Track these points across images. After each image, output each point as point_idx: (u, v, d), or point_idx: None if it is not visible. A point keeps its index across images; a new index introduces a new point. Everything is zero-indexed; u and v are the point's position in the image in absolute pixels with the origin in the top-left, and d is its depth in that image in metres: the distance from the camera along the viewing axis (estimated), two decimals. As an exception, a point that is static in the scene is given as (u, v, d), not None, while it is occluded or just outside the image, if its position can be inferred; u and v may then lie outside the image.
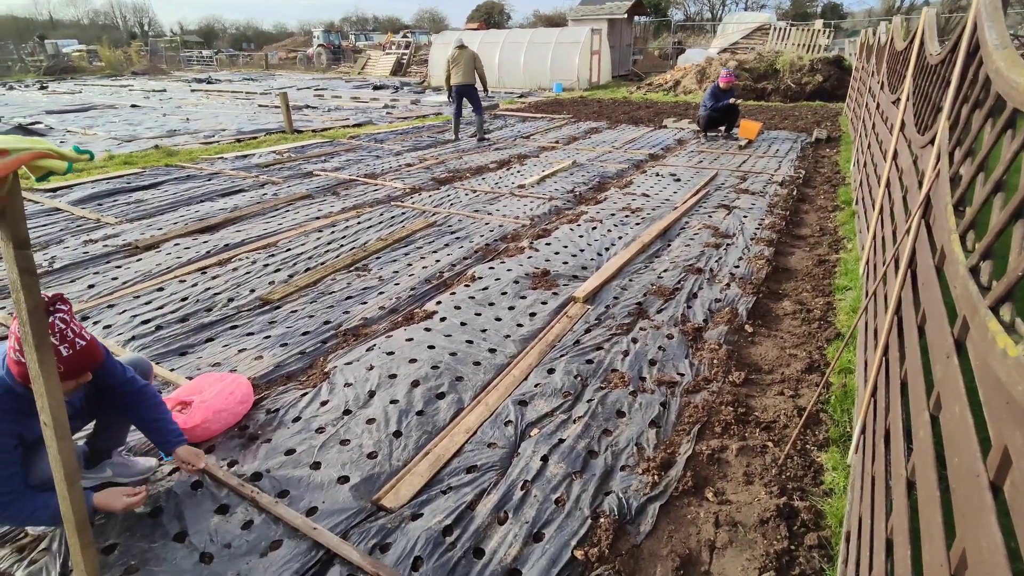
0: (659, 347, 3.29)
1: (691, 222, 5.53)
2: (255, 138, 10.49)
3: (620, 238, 5.05)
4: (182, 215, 5.85)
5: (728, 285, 4.11)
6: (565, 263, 4.49)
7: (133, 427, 2.40)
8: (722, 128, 10.05)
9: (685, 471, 2.38)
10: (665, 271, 4.36)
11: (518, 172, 7.61)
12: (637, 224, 5.43)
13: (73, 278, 4.36)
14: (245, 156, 8.69)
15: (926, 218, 2.00)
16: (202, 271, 4.45)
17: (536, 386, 2.91)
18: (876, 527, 1.54)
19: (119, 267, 4.56)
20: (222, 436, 2.57)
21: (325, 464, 2.40)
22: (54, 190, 6.77)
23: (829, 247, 5.01)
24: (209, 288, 4.12)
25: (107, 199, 6.49)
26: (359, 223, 5.49)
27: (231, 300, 3.94)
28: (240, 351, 3.30)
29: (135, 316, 3.70)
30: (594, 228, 5.30)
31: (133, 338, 3.43)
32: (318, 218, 5.69)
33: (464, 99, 9.75)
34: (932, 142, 2.28)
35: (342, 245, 4.93)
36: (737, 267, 4.44)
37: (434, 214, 5.78)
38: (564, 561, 1.94)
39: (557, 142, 9.84)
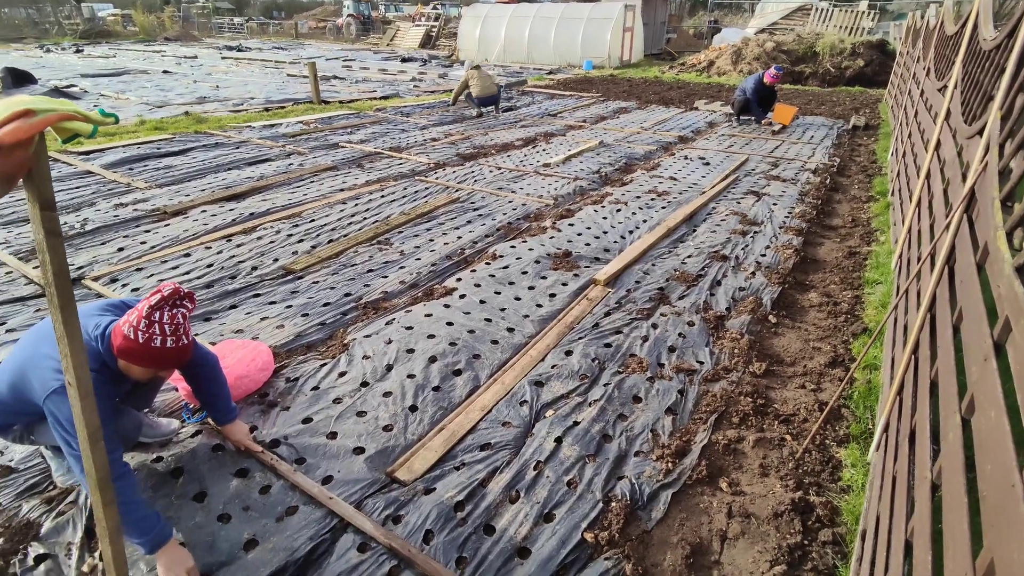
0: (679, 334, 3.25)
1: (718, 208, 5.42)
2: (283, 107, 10.52)
3: (645, 221, 4.97)
4: (209, 182, 5.91)
5: (753, 274, 4.03)
6: (587, 245, 4.44)
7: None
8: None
9: (700, 460, 2.36)
10: (689, 257, 4.28)
11: (543, 151, 7.51)
12: (663, 208, 5.34)
13: (104, 240, 4.44)
14: (273, 125, 8.72)
15: (968, 212, 1.92)
16: (227, 238, 4.50)
17: (553, 367, 2.90)
18: (895, 527, 1.51)
19: (148, 231, 4.64)
20: (242, 402, 2.62)
21: (341, 434, 2.43)
22: (87, 153, 6.88)
23: (861, 239, 4.87)
24: (234, 256, 4.17)
25: (138, 164, 6.58)
26: (383, 197, 5.49)
27: (255, 268, 3.99)
28: (262, 319, 3.34)
29: (162, 280, 3.76)
30: (618, 210, 5.22)
31: (159, 302, 3.49)
32: (342, 190, 5.71)
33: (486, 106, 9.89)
34: (980, 133, 2.18)
35: (365, 218, 4.94)
36: (764, 256, 4.34)
37: (457, 190, 5.75)
38: (574, 543, 1.95)
39: (584, 121, 9.68)
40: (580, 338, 3.17)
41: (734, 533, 2.06)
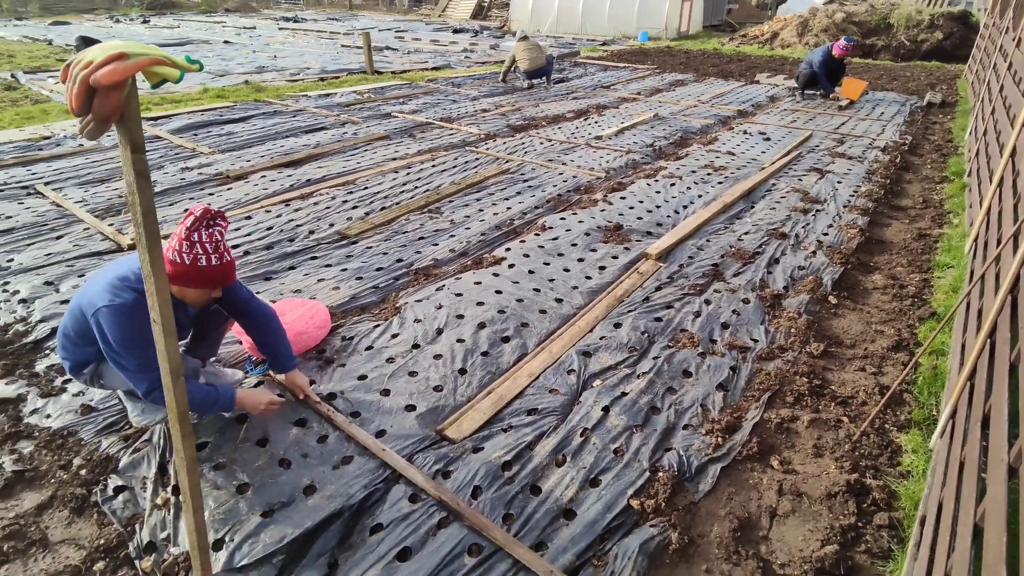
0: (733, 311, 3.17)
1: (779, 184, 5.21)
2: (337, 78, 10.65)
3: (700, 196, 4.83)
4: (268, 149, 6.08)
5: (814, 253, 3.87)
6: (639, 219, 4.36)
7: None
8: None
9: (751, 437, 2.32)
10: (746, 234, 4.15)
11: (595, 123, 7.37)
12: (719, 183, 5.17)
13: (171, 202, 4.65)
14: (328, 95, 8.86)
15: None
16: (286, 203, 4.63)
17: (601, 339, 2.89)
18: (962, 513, 1.45)
19: (211, 194, 4.83)
20: (301, 357, 2.73)
21: (394, 392, 2.50)
22: (155, 119, 7.18)
23: (932, 220, 4.60)
24: (292, 220, 4.30)
25: (201, 130, 6.82)
26: (433, 166, 5.53)
27: (311, 232, 4.11)
28: (319, 280, 3.45)
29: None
30: (672, 184, 5.09)
31: (223, 261, 3.65)
32: (395, 159, 5.77)
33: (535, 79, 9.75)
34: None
35: (416, 187, 4.99)
36: (826, 235, 4.16)
37: (507, 161, 5.73)
38: (619, 508, 1.96)
39: (639, 93, 9.42)
40: (629, 311, 3.14)
41: (784, 510, 2.02)
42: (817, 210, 4.61)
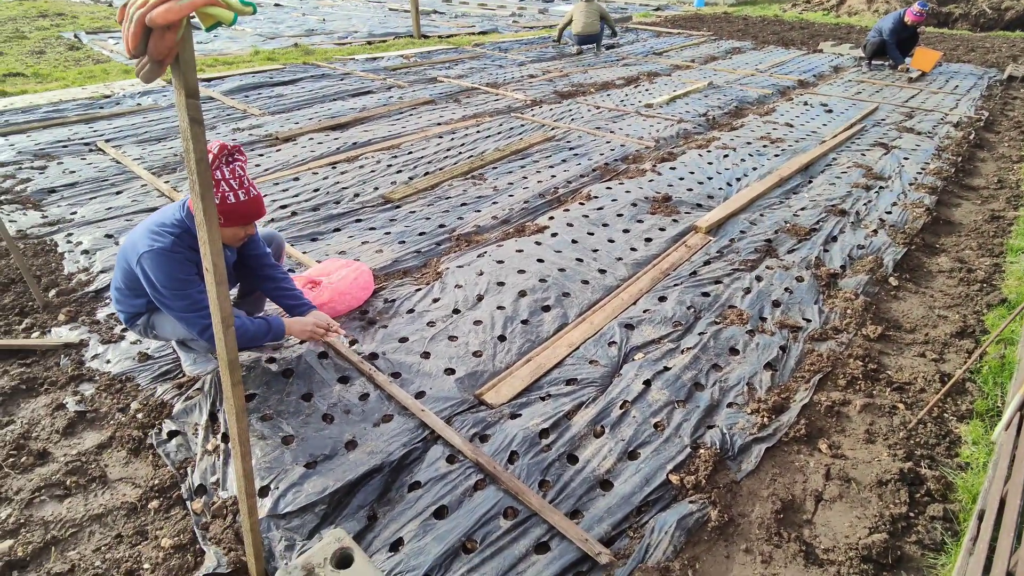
0: (786, 288, 3.04)
1: (839, 159, 4.93)
2: (384, 41, 10.59)
3: (755, 169, 4.63)
4: (316, 111, 6.12)
5: (875, 232, 3.67)
6: (689, 190, 4.21)
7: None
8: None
9: (799, 418, 2.24)
10: (802, 209, 3.96)
11: (646, 90, 7.12)
12: (776, 156, 4.93)
13: (222, 162, 4.74)
14: (374, 59, 8.83)
15: None
16: (332, 166, 4.67)
17: (645, 312, 2.83)
18: (1032, 508, 1.35)
19: (261, 155, 4.90)
20: (344, 317, 2.77)
21: (434, 355, 2.52)
22: (208, 80, 7.30)
23: (1007, 202, 4.28)
24: (338, 183, 4.33)
25: (252, 92, 6.90)
26: (478, 132, 5.46)
27: (357, 195, 4.13)
28: (363, 243, 3.48)
29: (274, 201, 3.99)
30: (726, 156, 4.89)
31: (272, 220, 3.72)
32: (439, 124, 5.72)
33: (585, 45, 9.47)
34: None
35: (460, 152, 4.94)
36: (889, 213, 3.93)
37: (553, 128, 5.60)
38: (658, 482, 1.93)
39: (693, 61, 9.03)
40: (675, 285, 3.05)
41: (831, 495, 1.95)
42: (880, 187, 4.35)
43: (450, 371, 2.43)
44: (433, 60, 8.74)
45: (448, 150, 5.00)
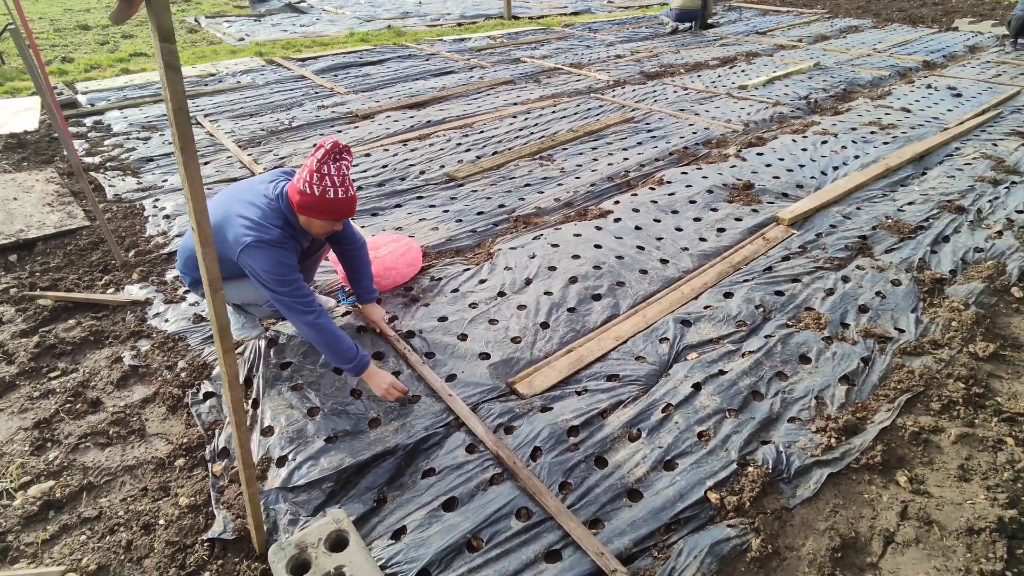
0: (877, 292, 2.65)
1: (964, 148, 4.28)
2: (475, 23, 10.58)
3: (856, 157, 4.11)
4: (397, 90, 6.18)
5: (1000, 233, 3.12)
6: (776, 178, 3.81)
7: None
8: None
9: (875, 443, 1.93)
10: (909, 204, 3.46)
11: (742, 71, 6.57)
12: (884, 143, 4.36)
13: (304, 136, 4.89)
14: (462, 40, 8.82)
15: None
16: (404, 143, 4.68)
17: (706, 308, 2.56)
18: None
19: (340, 131, 5.01)
20: (388, 293, 2.73)
21: (471, 338, 2.42)
22: (303, 60, 7.60)
23: None
24: (406, 159, 4.33)
25: (342, 71, 7.10)
26: (553, 112, 5.26)
27: (422, 173, 4.10)
28: (420, 220, 3.44)
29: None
30: (824, 142, 4.38)
31: (336, 194, 3.77)
32: (515, 104, 5.59)
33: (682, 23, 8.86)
34: None
35: (532, 132, 4.79)
36: (1020, 212, 3.34)
37: (633, 109, 5.29)
38: (694, 499, 1.72)
39: (800, 41, 8.25)
40: (745, 280, 2.75)
41: (905, 538, 1.65)
42: (1012, 182, 3.72)
43: (485, 355, 2.31)
44: (519, 40, 8.59)
45: (520, 130, 4.86)
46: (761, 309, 2.54)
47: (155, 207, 3.68)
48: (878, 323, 2.47)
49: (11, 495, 1.78)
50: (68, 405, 2.13)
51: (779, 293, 2.66)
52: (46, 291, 2.77)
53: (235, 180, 4.07)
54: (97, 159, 4.43)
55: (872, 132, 4.60)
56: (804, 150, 4.23)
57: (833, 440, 1.92)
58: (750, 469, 1.81)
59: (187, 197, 1.09)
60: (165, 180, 4.09)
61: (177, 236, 3.31)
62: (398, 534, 1.64)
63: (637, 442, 1.91)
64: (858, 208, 3.41)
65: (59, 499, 1.78)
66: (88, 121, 5.32)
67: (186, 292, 2.80)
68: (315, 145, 1.91)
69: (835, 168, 3.95)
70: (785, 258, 2.92)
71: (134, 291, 2.82)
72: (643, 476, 1.79)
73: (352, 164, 2.01)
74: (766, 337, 2.37)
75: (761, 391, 2.12)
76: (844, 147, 4.29)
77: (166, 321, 2.61)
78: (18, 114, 5.38)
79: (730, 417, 2.01)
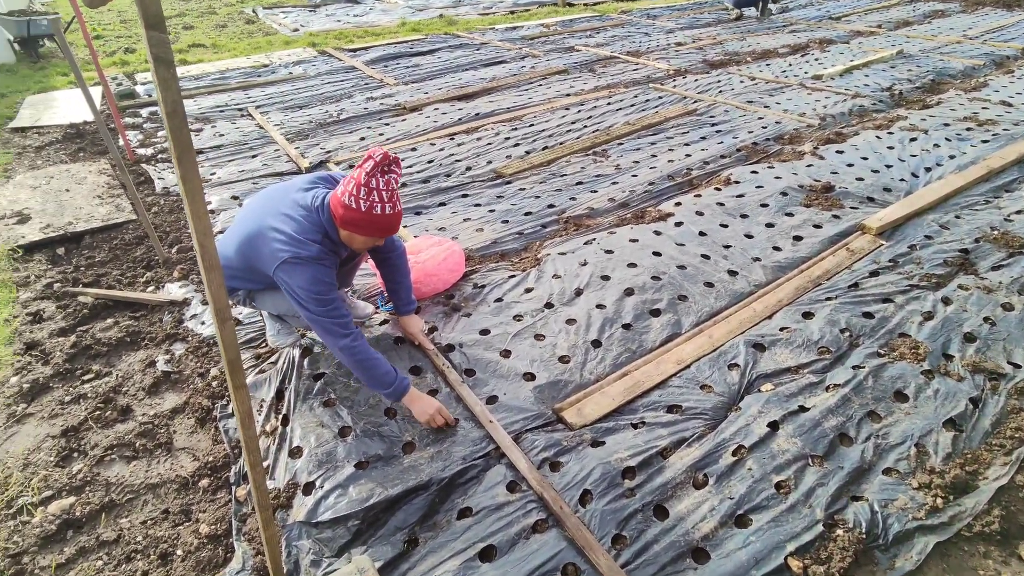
0: (985, 318, 2.29)
1: (1083, 148, 3.75)
2: (527, 10, 10.31)
3: (952, 157, 3.66)
4: (447, 81, 6.01)
5: None
6: (859, 180, 3.42)
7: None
8: None
9: (991, 506, 1.62)
10: (1018, 212, 3.03)
11: (816, 60, 6.07)
12: (984, 142, 3.88)
13: (351, 129, 4.79)
14: (514, 28, 8.58)
15: None
16: (451, 137, 4.50)
17: (782, 330, 2.27)
18: None
19: (387, 124, 4.88)
20: (428, 301, 2.56)
21: (515, 355, 2.21)
22: (354, 50, 7.54)
23: None
24: (452, 155, 4.15)
25: (391, 61, 6.99)
26: (608, 104, 4.97)
27: (468, 169, 3.92)
28: (465, 220, 3.25)
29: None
30: (912, 140, 3.94)
31: (379, 190, 3.63)
32: (568, 95, 5.32)
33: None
34: None
35: (585, 126, 4.52)
36: None
37: (696, 101, 4.94)
38: (772, 566, 1.46)
39: (879, 26, 7.60)
40: (828, 298, 2.43)
41: (1037, 634, 1.36)
42: None
43: (529, 376, 2.11)
44: (574, 28, 8.28)
45: (572, 123, 4.60)
46: (847, 333, 2.23)
47: (200, 201, 3.63)
48: (988, 355, 2.12)
49: (31, 511, 1.70)
50: (98, 412, 2.05)
51: (868, 315, 2.33)
52: (88, 287, 2.73)
53: (281, 174, 3.99)
54: (150, 150, 4.45)
55: (968, 129, 4.11)
56: (890, 148, 3.81)
57: (939, 500, 1.63)
58: (839, 532, 1.54)
59: (188, 215, 0.92)
60: (213, 173, 4.05)
61: (220, 233, 3.23)
62: (428, 586, 1.46)
63: (703, 490, 1.67)
64: (957, 216, 3.01)
65: (79, 518, 1.69)
66: (144, 112, 5.39)
67: (224, 292, 2.71)
68: (366, 153, 1.73)
69: (927, 169, 3.52)
70: (873, 273, 2.58)
71: (173, 290, 2.75)
72: (710, 533, 1.55)
73: (400, 176, 1.82)
74: (854, 368, 2.07)
75: (850, 434, 1.83)
76: (936, 145, 3.84)
77: (202, 323, 2.53)
78: (79, 105, 5.50)
79: (813, 465, 1.73)
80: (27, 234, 3.16)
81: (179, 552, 1.59)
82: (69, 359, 2.30)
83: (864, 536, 1.53)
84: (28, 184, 3.77)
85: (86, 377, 2.23)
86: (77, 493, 1.77)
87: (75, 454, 1.90)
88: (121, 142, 4.39)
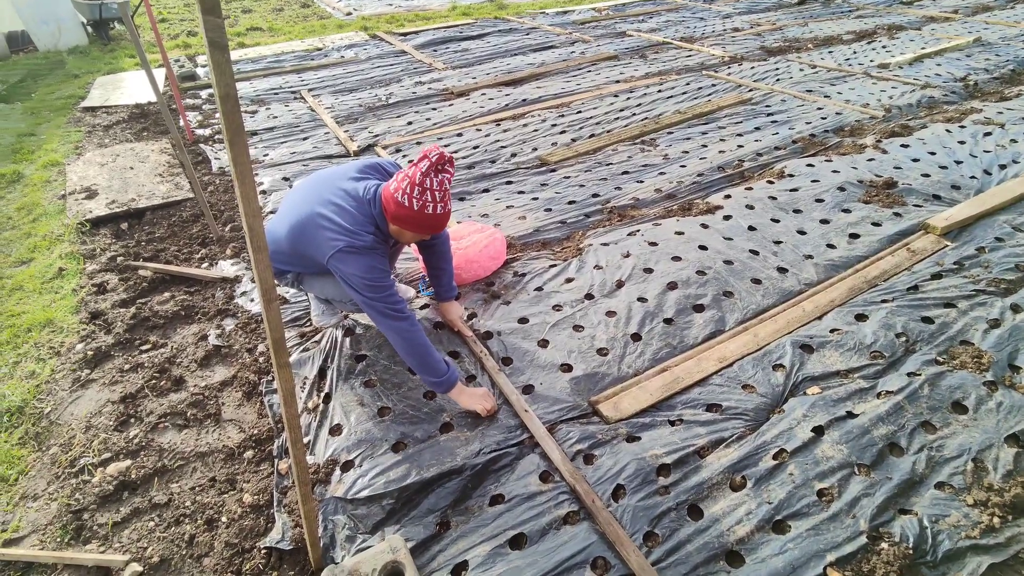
0: (1060, 328, 2.14)
1: None
2: (577, -6, 10.12)
3: (1031, 154, 3.41)
4: (495, 66, 5.98)
5: None
6: (925, 176, 3.23)
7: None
8: None
9: (1055, 529, 1.52)
10: (1105, 216, 2.80)
11: (883, 47, 5.74)
12: (1069, 138, 3.60)
13: (399, 113, 4.83)
14: (565, 12, 8.45)
15: None
16: (497, 123, 4.49)
17: (833, 332, 2.18)
18: None
19: (434, 109, 4.90)
20: (469, 287, 2.57)
21: (552, 345, 2.20)
22: (404, 34, 7.59)
23: None
24: (498, 140, 4.14)
25: (441, 46, 7.00)
26: (659, 91, 4.84)
27: (514, 155, 3.90)
28: (508, 207, 3.24)
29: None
30: (987, 134, 3.68)
31: (424, 175, 3.66)
32: (617, 81, 5.21)
33: None
34: None
35: (634, 114, 4.42)
36: None
37: (751, 89, 4.75)
38: (811, 575, 1.42)
39: (956, 11, 7.12)
40: (884, 301, 2.32)
41: (1100, 669, 1.27)
42: None
43: (566, 367, 2.10)
44: (627, 13, 8.09)
45: (621, 111, 4.51)
46: (903, 339, 2.12)
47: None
48: (1061, 368, 1.98)
49: (91, 471, 1.81)
50: (153, 381, 2.16)
51: (927, 320, 2.21)
52: (148, 262, 2.87)
53: (330, 157, 4.07)
54: (207, 131, 4.61)
55: (1052, 122, 3.81)
56: (961, 143, 3.57)
57: (995, 519, 1.54)
58: (884, 545, 1.48)
59: (239, 197, 0.95)
60: (266, 154, 4.16)
61: (271, 213, 3.33)
62: (458, 569, 1.49)
63: (741, 492, 1.63)
64: (1033, 218, 2.81)
65: (134, 480, 1.79)
66: (204, 93, 5.59)
67: (272, 271, 2.79)
68: (422, 152, 1.74)
69: (1002, 167, 3.29)
70: (935, 276, 2.44)
71: (226, 267, 2.86)
72: (746, 536, 1.52)
73: (453, 176, 1.82)
74: (909, 375, 1.97)
75: (901, 444, 1.74)
76: (1013, 141, 3.58)
77: (252, 300, 2.61)
78: (144, 86, 5.74)
79: (859, 474, 1.66)
80: (94, 209, 3.34)
81: (224, 519, 1.66)
82: (129, 329, 2.43)
83: (911, 551, 1.46)
84: (96, 161, 3.98)
85: (144, 347, 2.35)
86: (133, 457, 1.87)
87: (132, 420, 2.01)
88: (181, 122, 4.57)
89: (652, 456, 1.72)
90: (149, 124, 4.79)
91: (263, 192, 3.59)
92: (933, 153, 3.47)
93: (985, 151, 3.48)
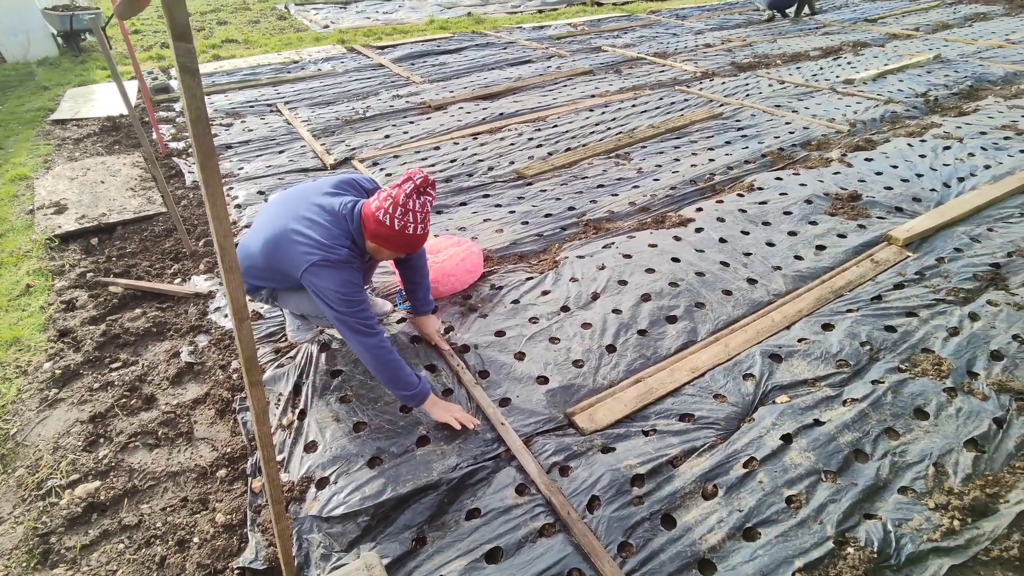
0: (1014, 336, 2.23)
1: None
2: (555, 9, 10.28)
3: (987, 167, 3.56)
4: (472, 80, 6.04)
5: None
6: (888, 188, 3.35)
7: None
8: None
9: (1011, 530, 1.58)
10: (1056, 227, 2.93)
11: (848, 63, 5.94)
12: (1022, 152, 3.76)
13: (376, 127, 4.84)
14: (542, 27, 8.57)
15: None
16: (474, 136, 4.53)
17: (800, 341, 2.24)
18: None
19: (411, 122, 4.92)
20: (445, 300, 2.59)
21: (529, 357, 2.23)
22: (382, 48, 7.61)
23: None
24: (475, 154, 4.17)
25: (419, 59, 7.04)
26: (633, 106, 4.94)
27: (491, 169, 3.94)
28: (485, 220, 3.27)
29: (410, 169, 3.95)
30: (946, 148, 3.83)
31: (402, 189, 3.67)
32: (593, 96, 5.30)
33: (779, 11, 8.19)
34: None
35: (609, 128, 4.50)
36: None
37: (722, 104, 4.88)
38: (778, 581, 1.45)
39: (917, 29, 7.41)
40: (849, 310, 2.39)
41: (1053, 665, 1.32)
42: None
43: (543, 379, 2.12)
44: (601, 28, 8.24)
45: (596, 125, 4.59)
46: (867, 347, 2.19)
47: (228, 195, 3.71)
48: (1015, 375, 2.06)
49: (59, 493, 1.77)
50: (124, 400, 2.13)
51: (890, 329, 2.29)
52: (118, 278, 2.82)
53: (307, 171, 4.06)
54: (181, 144, 4.56)
55: (1006, 138, 3.98)
56: (922, 157, 3.71)
57: (956, 522, 1.59)
58: (850, 550, 1.52)
59: (209, 218, 0.96)
60: (241, 168, 4.13)
61: (246, 227, 3.31)
62: (434, 585, 1.49)
63: (712, 501, 1.66)
64: (990, 229, 2.93)
65: (103, 502, 1.75)
66: (177, 106, 5.53)
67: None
68: (405, 174, 1.76)
69: (960, 179, 3.43)
70: (898, 286, 2.53)
71: (199, 283, 2.83)
72: (718, 544, 1.55)
73: (435, 198, 1.85)
74: (873, 383, 2.03)
75: (866, 450, 1.80)
76: (971, 154, 3.73)
77: (225, 316, 2.59)
78: (116, 98, 5.67)
79: (826, 480, 1.71)
80: (63, 224, 3.28)
81: (196, 540, 1.64)
82: (98, 347, 2.38)
83: (876, 555, 1.51)
84: (66, 175, 3.91)
85: (114, 365, 2.31)
86: (102, 478, 1.84)
87: (101, 440, 1.97)
88: (154, 136, 4.52)
89: (626, 467, 1.75)
90: (121, 137, 4.72)
91: (238, 206, 3.57)
92: (895, 167, 3.60)
93: (945, 164, 3.62)
